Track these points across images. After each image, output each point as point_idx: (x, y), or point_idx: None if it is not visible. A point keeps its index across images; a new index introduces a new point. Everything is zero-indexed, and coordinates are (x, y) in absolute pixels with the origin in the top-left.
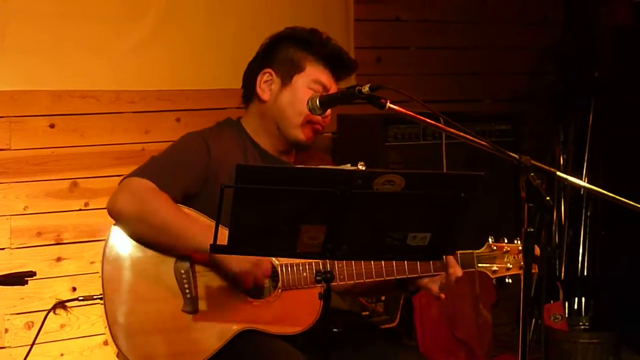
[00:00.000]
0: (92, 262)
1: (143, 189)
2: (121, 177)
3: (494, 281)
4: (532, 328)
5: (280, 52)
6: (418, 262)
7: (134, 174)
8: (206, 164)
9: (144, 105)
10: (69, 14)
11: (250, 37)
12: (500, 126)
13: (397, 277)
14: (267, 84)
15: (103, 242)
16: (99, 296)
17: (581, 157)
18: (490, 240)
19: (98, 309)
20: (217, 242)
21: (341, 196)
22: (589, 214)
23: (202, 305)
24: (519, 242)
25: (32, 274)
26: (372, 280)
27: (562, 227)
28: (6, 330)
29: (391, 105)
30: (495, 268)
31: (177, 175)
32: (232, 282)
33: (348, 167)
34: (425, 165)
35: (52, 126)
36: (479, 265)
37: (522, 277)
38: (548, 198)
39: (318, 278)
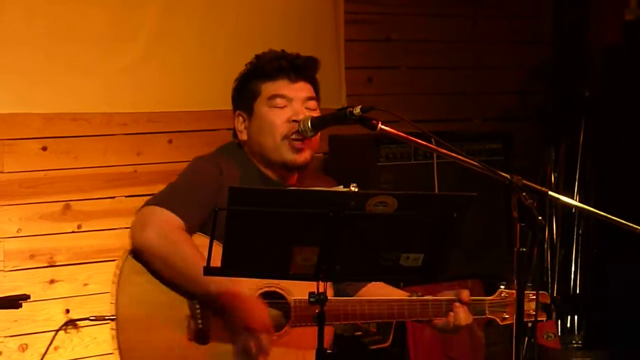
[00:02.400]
0: (85, 284)
1: (171, 227)
2: (114, 199)
3: (501, 326)
4: (525, 347)
5: (241, 90)
6: (430, 307)
7: (158, 203)
8: (220, 188)
9: (135, 127)
10: (60, 36)
11: (241, 59)
12: (491, 145)
13: (410, 319)
14: (242, 125)
15: (96, 264)
16: (110, 317)
17: (572, 176)
18: (501, 287)
19: (91, 331)
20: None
21: (334, 217)
22: (580, 232)
23: (213, 336)
24: (530, 288)
25: (26, 297)
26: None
27: (554, 246)
28: (0, 353)
29: (382, 127)
30: (505, 315)
31: (198, 204)
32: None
33: (341, 188)
34: (417, 185)
35: (44, 149)
36: (489, 312)
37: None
38: (540, 218)
39: (312, 300)
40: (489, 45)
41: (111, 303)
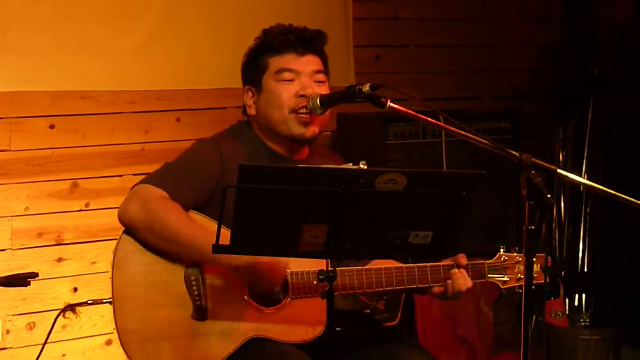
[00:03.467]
0: (93, 263)
1: (155, 198)
2: (122, 177)
3: (503, 291)
4: (533, 325)
5: (249, 65)
6: (429, 273)
7: (147, 181)
8: (219, 171)
9: (143, 106)
10: (68, 16)
11: (249, 37)
12: (500, 124)
13: (408, 287)
14: (251, 99)
15: (104, 243)
16: (109, 300)
17: (581, 155)
18: (502, 250)
19: (100, 310)
20: (220, 243)
21: (343, 195)
22: (589, 210)
23: (211, 312)
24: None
25: (34, 275)
26: (392, 288)
27: (562, 225)
28: (8, 332)
29: (392, 105)
30: (506, 279)
31: (189, 184)
32: (247, 287)
33: (350, 166)
34: (425, 163)
35: (52, 127)
36: (490, 275)
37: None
38: (549, 196)
39: (321, 277)
40: (498, 23)
41: (110, 279)
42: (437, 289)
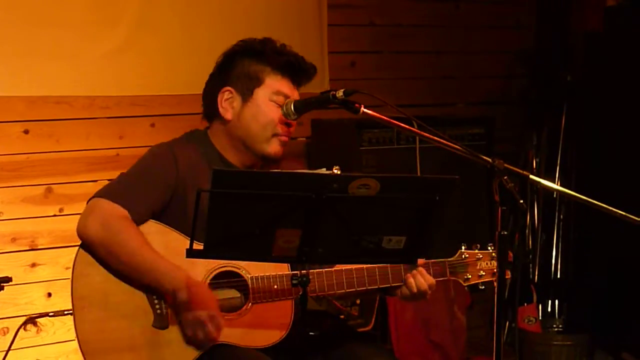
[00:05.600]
0: (67, 268)
1: (114, 217)
2: (96, 182)
3: (466, 288)
4: (506, 331)
5: (237, 67)
6: (390, 273)
7: (104, 195)
8: (174, 177)
9: (118, 111)
10: (42, 21)
11: (223, 43)
12: (474, 130)
13: (369, 287)
14: (228, 102)
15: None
16: (70, 311)
17: (554, 161)
18: (462, 247)
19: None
20: (194, 247)
21: (316, 200)
22: (562, 216)
23: (172, 320)
24: (491, 248)
25: (7, 279)
26: (354, 289)
27: (535, 230)
28: None
29: (365, 110)
30: (468, 276)
31: (146, 195)
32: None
33: (323, 171)
34: (399, 169)
35: (26, 132)
36: (451, 273)
37: (495, 282)
38: (522, 201)
39: (294, 282)
40: (472, 30)
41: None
42: (399, 291)
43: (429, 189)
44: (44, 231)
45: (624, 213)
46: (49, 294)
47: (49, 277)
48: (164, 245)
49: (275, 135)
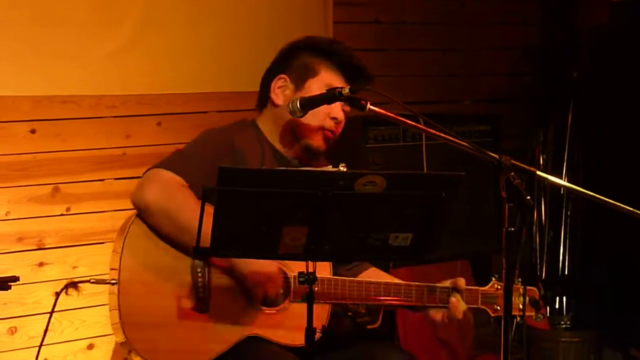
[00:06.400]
0: (74, 267)
1: (173, 184)
2: (103, 181)
3: (492, 320)
4: (513, 328)
5: (296, 58)
6: (425, 292)
7: (161, 165)
8: (232, 158)
9: (124, 110)
10: (48, 20)
11: (228, 41)
12: (480, 127)
13: (404, 305)
14: (281, 89)
15: (85, 247)
16: (111, 281)
17: (561, 157)
18: (494, 278)
19: (81, 314)
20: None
21: (323, 197)
22: (569, 213)
23: (212, 305)
24: (519, 282)
25: (15, 279)
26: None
27: (542, 227)
28: None
29: (371, 107)
30: (497, 307)
31: (204, 170)
32: (244, 290)
33: (330, 168)
34: (406, 166)
35: (33, 131)
36: (482, 302)
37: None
38: (528, 197)
39: (301, 279)
40: (478, 27)
41: (111, 269)
42: (434, 314)
43: (435, 185)
44: (51, 230)
45: (631, 209)
46: (56, 293)
47: (56, 276)
48: None
49: (321, 128)
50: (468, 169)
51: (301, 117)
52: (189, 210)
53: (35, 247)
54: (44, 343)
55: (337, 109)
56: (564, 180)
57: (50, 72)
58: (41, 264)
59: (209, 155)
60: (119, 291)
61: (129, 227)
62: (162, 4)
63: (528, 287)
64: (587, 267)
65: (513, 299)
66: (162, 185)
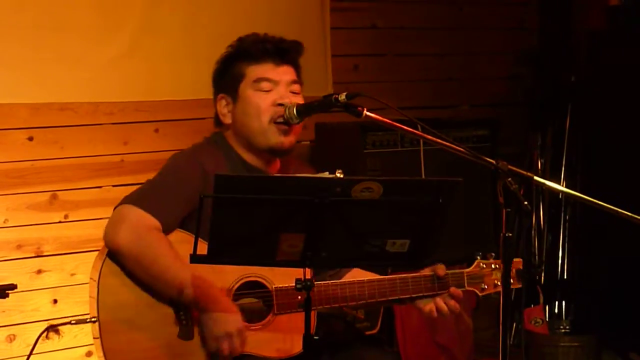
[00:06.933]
0: (72, 274)
1: (145, 228)
2: (101, 188)
3: (480, 297)
4: (512, 332)
5: (224, 73)
6: (422, 282)
7: (134, 202)
8: (202, 186)
9: (122, 117)
10: (46, 27)
11: (226, 47)
12: (478, 132)
13: (390, 298)
14: (225, 108)
15: (83, 254)
16: (92, 319)
17: (559, 162)
18: (478, 257)
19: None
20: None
21: (319, 204)
22: (567, 218)
23: (197, 331)
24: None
25: (13, 286)
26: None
27: (541, 232)
28: None
29: (368, 113)
30: (484, 286)
31: (176, 205)
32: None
33: (326, 175)
34: (403, 172)
35: (30, 139)
36: (469, 283)
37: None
38: (526, 202)
39: (298, 286)
40: (475, 31)
41: (91, 297)
42: (423, 305)
43: (432, 191)
44: (50, 238)
45: (629, 213)
46: (55, 301)
47: (55, 283)
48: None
49: (271, 121)
50: (466, 174)
51: (298, 123)
52: (160, 259)
53: (33, 255)
54: (41, 351)
55: (276, 94)
56: (562, 185)
57: (48, 79)
58: (39, 271)
59: (179, 185)
60: (100, 333)
61: (102, 264)
62: (160, 11)
63: (515, 259)
64: (586, 271)
65: (497, 273)
66: (133, 229)
